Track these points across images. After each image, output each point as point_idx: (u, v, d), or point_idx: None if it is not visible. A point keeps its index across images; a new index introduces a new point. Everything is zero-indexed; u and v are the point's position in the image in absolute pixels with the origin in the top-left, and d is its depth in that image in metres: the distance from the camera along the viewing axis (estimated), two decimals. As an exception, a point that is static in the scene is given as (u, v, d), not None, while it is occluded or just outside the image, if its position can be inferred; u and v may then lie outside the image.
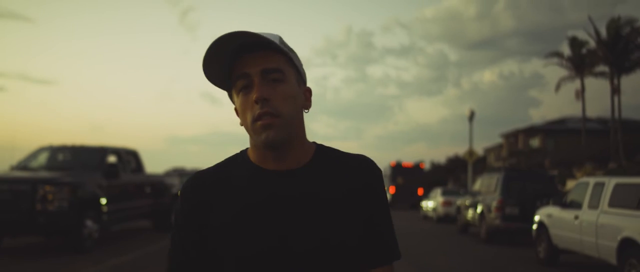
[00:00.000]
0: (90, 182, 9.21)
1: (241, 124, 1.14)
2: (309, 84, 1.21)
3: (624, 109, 46.00)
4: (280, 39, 1.14)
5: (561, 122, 38.31)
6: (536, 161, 31.74)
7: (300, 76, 1.17)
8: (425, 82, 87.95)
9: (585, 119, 32.89)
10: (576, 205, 8.59)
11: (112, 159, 10.32)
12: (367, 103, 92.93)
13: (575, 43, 32.39)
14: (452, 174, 40.87)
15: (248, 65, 1.09)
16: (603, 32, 30.00)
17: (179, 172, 16.34)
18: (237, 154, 1.21)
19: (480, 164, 36.58)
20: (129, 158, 11.17)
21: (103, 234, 9.60)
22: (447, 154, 48.57)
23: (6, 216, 8.06)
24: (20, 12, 75.64)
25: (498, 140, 44.64)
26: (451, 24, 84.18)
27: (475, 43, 78.50)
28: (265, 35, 1.08)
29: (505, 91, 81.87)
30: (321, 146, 1.21)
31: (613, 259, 7.19)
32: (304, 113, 1.18)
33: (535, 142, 37.35)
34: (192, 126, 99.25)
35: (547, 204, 10.02)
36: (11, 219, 8.09)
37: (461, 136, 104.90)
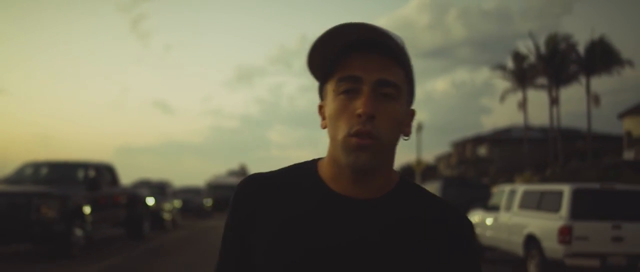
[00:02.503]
0: (76, 194, 10.51)
1: (324, 127, 1.01)
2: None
3: (565, 118, 49.45)
4: (403, 42, 0.98)
5: (506, 131, 41.18)
6: (482, 169, 34.25)
7: (412, 96, 1.02)
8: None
9: (527, 128, 35.73)
10: (496, 209, 10.52)
11: (92, 173, 11.63)
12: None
13: (517, 57, 35.20)
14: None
15: (361, 67, 0.94)
16: (543, 47, 32.90)
17: (146, 184, 17.59)
18: (304, 164, 1.07)
19: (430, 172, 38.93)
20: (106, 172, 12.47)
21: (86, 241, 10.91)
22: (400, 162, 50.81)
23: (5, 226, 9.32)
24: (-38, 18, 74.05)
25: (450, 148, 47.30)
26: (404, 32, 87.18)
27: (428, 52, 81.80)
28: (393, 36, 0.93)
29: (457, 99, 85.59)
30: (406, 179, 1.07)
31: (520, 252, 9.11)
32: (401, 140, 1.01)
33: (482, 151, 40.04)
34: (144, 136, 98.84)
35: (476, 208, 11.96)
36: (9, 228, 9.35)
37: (414, 144, 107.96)
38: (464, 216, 1.03)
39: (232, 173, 37.49)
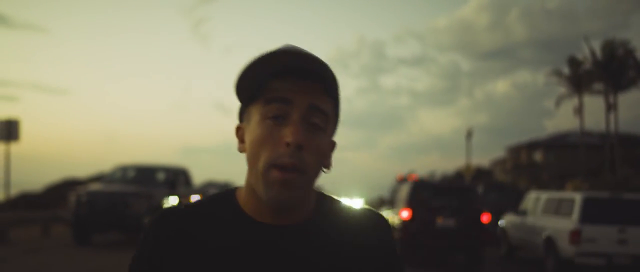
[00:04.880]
0: (159, 193, 12.69)
1: (242, 151, 0.97)
2: None
3: (626, 123, 49.05)
4: (335, 76, 0.94)
5: (562, 136, 41.39)
6: (536, 175, 34.90)
7: (335, 128, 1.00)
8: (438, 92, 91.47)
9: (584, 134, 36.00)
10: (525, 213, 11.92)
11: (170, 175, 13.82)
12: (380, 113, 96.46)
13: (573, 62, 35.58)
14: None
15: (292, 91, 0.92)
16: (599, 52, 33.26)
17: (213, 185, 19.85)
18: (220, 194, 1.04)
19: (484, 177, 39.74)
20: (181, 175, 14.65)
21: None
22: (454, 166, 51.71)
23: (105, 219, 11.61)
24: (35, 22, 79.95)
25: (504, 153, 47.76)
26: (464, 33, 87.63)
27: (488, 53, 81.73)
28: (325, 65, 0.91)
29: (518, 101, 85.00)
30: (321, 194, 1.05)
31: (541, 251, 10.52)
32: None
33: (537, 156, 40.49)
34: (205, 137, 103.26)
35: (508, 212, 13.35)
36: (108, 220, 11.63)
37: (475, 146, 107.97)
38: (375, 213, 1.05)
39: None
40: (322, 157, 0.96)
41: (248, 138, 0.95)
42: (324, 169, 0.99)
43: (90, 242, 12.14)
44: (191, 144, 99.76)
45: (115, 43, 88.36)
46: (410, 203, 10.77)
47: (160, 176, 13.65)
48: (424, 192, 11.31)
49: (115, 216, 11.60)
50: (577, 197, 9.78)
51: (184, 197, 14.18)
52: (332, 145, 1.01)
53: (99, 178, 19.72)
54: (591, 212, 9.51)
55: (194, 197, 14.54)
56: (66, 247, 11.64)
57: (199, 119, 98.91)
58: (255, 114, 0.95)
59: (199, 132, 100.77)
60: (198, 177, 28.97)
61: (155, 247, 0.97)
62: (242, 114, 1.00)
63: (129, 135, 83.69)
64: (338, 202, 1.06)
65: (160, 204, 12.59)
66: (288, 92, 0.92)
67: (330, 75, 0.93)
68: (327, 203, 1.04)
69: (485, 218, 10.71)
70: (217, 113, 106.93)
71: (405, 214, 10.69)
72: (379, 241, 1.04)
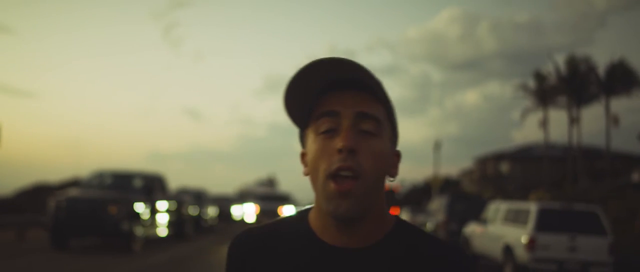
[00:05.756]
0: (136, 199, 13.13)
1: (306, 174, 0.99)
2: None
3: (588, 136, 51.04)
4: (381, 83, 0.96)
5: (527, 149, 42.88)
6: (501, 186, 36.12)
7: (395, 136, 1.02)
8: (409, 101, 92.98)
9: (548, 146, 37.44)
10: (486, 222, 12.75)
11: (147, 182, 14.26)
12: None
13: (539, 77, 37.03)
14: (428, 195, 45.12)
15: (340, 102, 0.95)
16: (563, 67, 34.74)
17: (186, 192, 20.26)
18: (295, 216, 1.07)
19: (452, 188, 40.86)
20: (157, 181, 15.09)
21: (144, 239, 13.52)
22: (422, 177, 52.86)
23: (84, 223, 12.01)
24: (1, 22, 78.63)
25: (472, 163, 49.11)
26: (435, 44, 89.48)
27: (458, 64, 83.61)
28: (369, 72, 0.92)
29: (487, 112, 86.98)
30: (402, 221, 1.04)
31: (500, 258, 11.34)
32: (387, 181, 1.00)
33: (504, 167, 41.84)
34: (174, 143, 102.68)
35: (472, 221, 14.18)
36: (87, 225, 12.04)
37: (445, 156, 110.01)
38: (462, 253, 1.00)
39: (261, 183, 39.98)
40: (381, 163, 0.95)
41: (309, 158, 0.97)
42: (390, 178, 1.00)
43: (67, 247, 12.51)
44: (159, 150, 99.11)
45: (83, 46, 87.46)
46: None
47: (137, 182, 14.07)
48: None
49: (94, 221, 12.01)
50: (533, 207, 10.63)
51: (159, 204, 14.68)
52: (395, 154, 1.03)
53: (74, 183, 20.00)
54: (545, 222, 10.35)
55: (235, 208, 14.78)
56: (44, 252, 11.99)
57: (168, 124, 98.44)
58: (310, 135, 0.98)
59: (168, 137, 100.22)
60: (169, 183, 29.18)
61: (238, 269, 1.03)
62: (302, 139, 1.03)
63: (96, 139, 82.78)
64: (418, 230, 1.03)
65: (138, 210, 13.03)
66: (335, 105, 0.95)
67: (374, 81, 0.93)
68: (406, 229, 1.02)
69: None
70: (186, 119, 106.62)
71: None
72: None
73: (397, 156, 1.04)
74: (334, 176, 0.92)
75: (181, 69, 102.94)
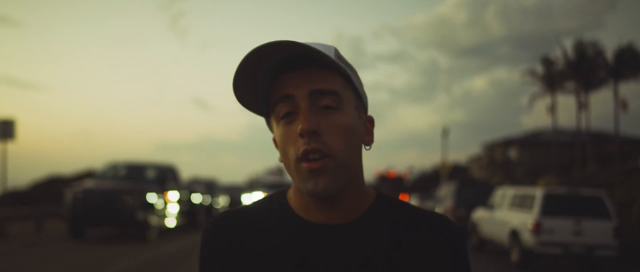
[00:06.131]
0: (150, 189, 13.50)
1: (280, 161, 0.98)
2: None
3: (597, 121, 51.07)
4: (336, 51, 0.95)
5: (536, 134, 42.96)
6: (510, 171, 36.29)
7: (361, 102, 0.99)
8: (416, 88, 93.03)
9: (556, 131, 37.53)
10: (493, 207, 13.01)
11: (160, 172, 14.63)
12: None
13: (547, 62, 37.03)
14: (436, 182, 45.37)
15: (292, 85, 0.92)
16: (571, 52, 34.75)
17: (197, 182, 20.70)
18: (273, 195, 1.05)
19: (462, 174, 41.07)
20: (169, 172, 15.45)
21: (158, 228, 13.90)
22: (431, 164, 53.10)
23: (101, 214, 12.41)
24: (9, 15, 79.17)
25: (480, 149, 49.24)
26: (442, 30, 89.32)
27: (465, 50, 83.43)
28: (315, 47, 0.89)
29: (495, 98, 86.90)
30: (382, 195, 1.02)
31: (506, 242, 11.61)
32: (363, 150, 0.98)
33: (512, 153, 41.97)
34: (182, 133, 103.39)
35: (479, 207, 14.44)
36: (104, 215, 12.44)
37: (453, 142, 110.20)
38: (450, 224, 0.98)
39: (271, 172, 40.42)
40: (349, 136, 0.92)
41: (278, 145, 0.96)
42: (365, 146, 0.98)
43: (84, 236, 12.91)
44: (168, 140, 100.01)
45: (90, 37, 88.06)
46: None
47: (150, 173, 14.47)
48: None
49: (110, 211, 12.42)
50: (538, 193, 10.88)
51: (172, 194, 15.04)
52: (367, 120, 1.00)
53: (87, 175, 20.42)
54: (550, 207, 10.61)
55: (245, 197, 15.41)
56: (62, 241, 12.40)
57: (176, 114, 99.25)
58: (273, 122, 0.97)
59: (176, 128, 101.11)
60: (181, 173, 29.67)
61: (211, 255, 0.99)
62: (270, 125, 1.01)
63: (105, 130, 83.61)
64: (400, 202, 1.02)
65: (147, 200, 13.39)
66: (288, 88, 0.92)
67: (319, 54, 0.89)
68: (385, 203, 1.00)
69: None
70: (195, 109, 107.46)
71: None
72: (443, 250, 0.95)
73: (370, 122, 1.01)
74: (301, 159, 0.91)
75: (188, 59, 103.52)
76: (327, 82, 0.92)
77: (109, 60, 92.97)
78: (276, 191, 1.07)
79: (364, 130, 0.98)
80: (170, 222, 14.72)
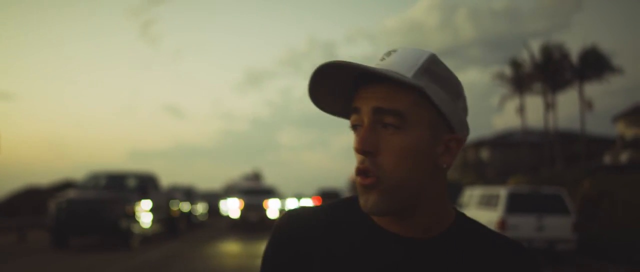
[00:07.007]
0: (132, 198, 13.93)
1: None
2: None
3: (564, 121, 52.70)
4: (428, 61, 0.93)
5: (506, 135, 44.24)
6: (481, 172, 37.39)
7: (442, 120, 0.93)
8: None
9: (526, 132, 38.78)
10: (462, 206, 13.77)
11: (141, 181, 15.06)
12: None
13: (515, 64, 38.25)
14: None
15: (361, 98, 0.92)
16: (538, 54, 36.01)
17: (178, 190, 21.09)
18: (349, 199, 1.04)
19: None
20: (150, 181, 15.87)
21: (141, 236, 14.32)
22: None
23: (85, 222, 12.83)
24: (-23, 26, 77.93)
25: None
26: (414, 33, 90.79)
27: (438, 52, 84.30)
28: (383, 70, 0.89)
29: (468, 99, 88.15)
30: (463, 216, 1.02)
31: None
32: (440, 169, 0.94)
33: (484, 154, 43.16)
34: (156, 140, 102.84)
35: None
36: (88, 224, 12.86)
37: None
38: (529, 252, 0.98)
39: (247, 178, 40.77)
40: (408, 158, 0.90)
41: None
42: (444, 165, 0.93)
43: (68, 246, 13.28)
44: (141, 148, 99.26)
45: (59, 45, 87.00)
46: None
47: (131, 182, 14.90)
48: None
49: (94, 220, 12.85)
50: (502, 192, 11.67)
51: (153, 202, 15.48)
52: (446, 140, 0.94)
53: (66, 185, 20.66)
54: (514, 205, 11.40)
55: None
56: (47, 251, 12.75)
57: (149, 122, 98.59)
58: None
59: (149, 135, 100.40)
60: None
61: (285, 242, 0.99)
62: None
63: (76, 139, 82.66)
64: (478, 224, 1.02)
65: (134, 209, 13.82)
66: (358, 101, 0.92)
67: (389, 73, 0.88)
68: (467, 223, 1.00)
69: None
70: (167, 116, 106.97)
71: None
72: None
73: (456, 140, 0.94)
74: (356, 174, 0.93)
75: (160, 66, 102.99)
76: (392, 100, 0.90)
77: (79, 68, 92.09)
78: (350, 196, 1.05)
79: (441, 149, 0.93)
80: (152, 229, 15.15)
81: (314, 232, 0.98)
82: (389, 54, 0.94)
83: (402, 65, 0.91)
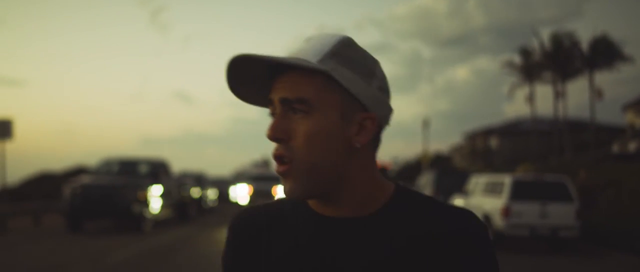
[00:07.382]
0: (144, 183, 14.29)
1: None
2: None
3: (574, 109, 52.45)
4: (338, 44, 0.93)
5: (515, 123, 44.29)
6: (490, 160, 37.50)
7: (353, 101, 0.93)
8: (399, 79, 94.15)
9: (535, 120, 38.79)
10: (468, 194, 13.99)
11: (152, 167, 15.43)
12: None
13: (525, 53, 38.18)
14: (419, 171, 46.45)
15: (273, 89, 0.95)
16: (548, 43, 35.93)
17: (188, 176, 21.49)
18: None
19: (444, 163, 42.20)
20: (161, 166, 16.23)
21: (153, 220, 14.70)
22: (414, 154, 54.19)
23: (98, 207, 13.22)
24: (-12, 13, 78.48)
25: (461, 139, 50.48)
26: (424, 21, 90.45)
27: (448, 40, 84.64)
28: (286, 58, 0.92)
29: (477, 87, 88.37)
30: (403, 189, 0.99)
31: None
32: (357, 148, 0.94)
33: (492, 142, 43.23)
34: (166, 127, 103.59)
35: (456, 194, 15.43)
36: (102, 208, 13.26)
37: (436, 132, 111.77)
38: (472, 218, 0.95)
39: (256, 164, 41.11)
40: (320, 141, 0.91)
41: None
42: (356, 145, 0.92)
43: (82, 229, 13.68)
44: (152, 135, 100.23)
45: (71, 33, 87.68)
46: None
47: (143, 168, 15.29)
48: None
49: (108, 205, 13.26)
50: (507, 180, 11.88)
51: (164, 187, 15.85)
52: (360, 118, 0.93)
53: (79, 171, 21.11)
54: (519, 192, 11.61)
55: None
56: (62, 234, 13.16)
57: (159, 109, 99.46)
58: None
59: (159, 122, 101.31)
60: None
61: (235, 249, 1.03)
62: None
63: (88, 126, 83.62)
64: (420, 195, 1.00)
65: (146, 194, 14.17)
66: (270, 93, 0.95)
67: (293, 60, 0.90)
68: (404, 196, 0.98)
69: None
70: (177, 103, 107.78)
71: None
72: (466, 245, 0.91)
73: (372, 118, 0.94)
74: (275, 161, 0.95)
75: (170, 52, 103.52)
76: (297, 88, 0.92)
77: (90, 55, 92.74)
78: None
79: (355, 129, 0.93)
80: (164, 214, 15.53)
81: (263, 230, 1.02)
82: (307, 41, 0.96)
83: (310, 52, 0.93)
